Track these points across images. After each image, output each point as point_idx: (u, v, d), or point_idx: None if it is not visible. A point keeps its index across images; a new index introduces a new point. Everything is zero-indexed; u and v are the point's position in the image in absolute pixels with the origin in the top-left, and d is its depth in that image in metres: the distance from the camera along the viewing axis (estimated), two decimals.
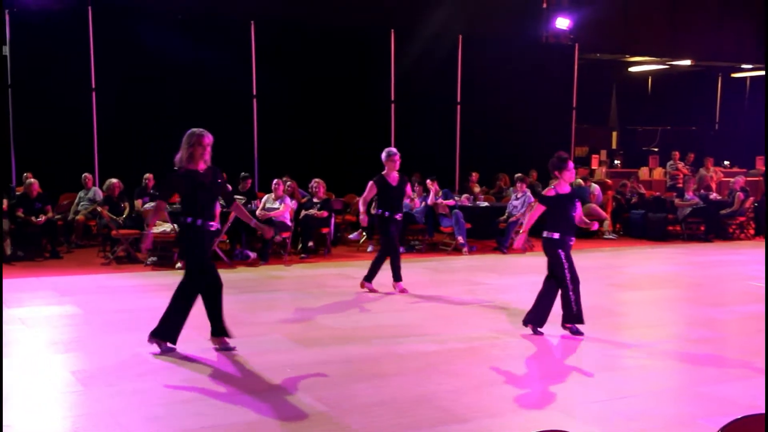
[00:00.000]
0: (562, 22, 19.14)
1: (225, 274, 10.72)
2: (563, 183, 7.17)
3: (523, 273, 10.97)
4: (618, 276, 11.37)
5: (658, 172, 20.83)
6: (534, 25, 19.37)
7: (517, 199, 13.35)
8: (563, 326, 7.33)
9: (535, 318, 7.32)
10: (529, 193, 13.45)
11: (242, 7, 15.43)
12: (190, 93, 14.90)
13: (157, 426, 4.88)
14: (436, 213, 13.31)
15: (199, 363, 6.28)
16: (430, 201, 13.22)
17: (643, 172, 20.79)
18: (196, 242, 6.54)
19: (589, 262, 12.48)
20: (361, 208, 9.41)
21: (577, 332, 7.26)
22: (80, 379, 5.79)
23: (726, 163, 22.77)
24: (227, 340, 6.68)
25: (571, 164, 7.17)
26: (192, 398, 5.42)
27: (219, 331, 6.67)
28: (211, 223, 6.59)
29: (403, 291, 9.43)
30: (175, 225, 6.97)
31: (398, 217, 9.34)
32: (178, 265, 11.10)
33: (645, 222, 15.43)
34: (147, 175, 13.43)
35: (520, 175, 13.72)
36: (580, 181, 16.17)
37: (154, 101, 14.67)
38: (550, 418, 5.11)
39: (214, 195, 6.68)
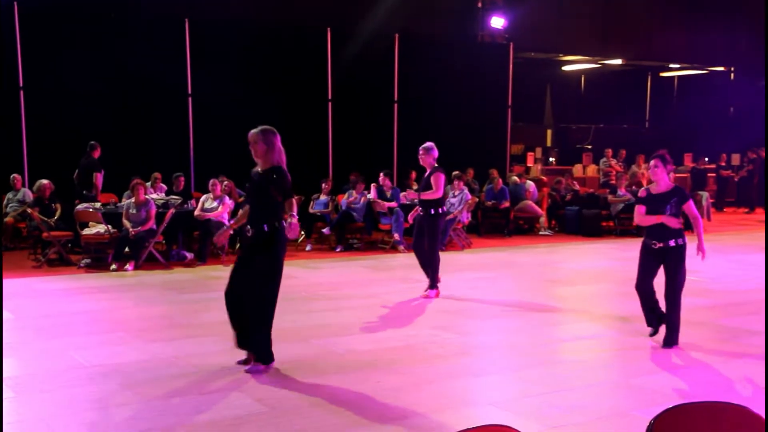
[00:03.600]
0: (497, 22, 19.37)
1: (162, 276, 10.71)
2: (654, 183, 6.96)
3: (460, 270, 11.06)
4: (554, 272, 11.55)
5: (591, 169, 21.25)
6: (469, 24, 19.56)
7: (454, 196, 13.43)
8: None
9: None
10: (466, 191, 13.56)
11: (176, 5, 15.19)
12: (123, 92, 14.61)
13: (92, 431, 4.78)
14: (374, 211, 13.34)
15: (134, 366, 6.17)
16: (374, 196, 13.31)
17: (577, 169, 21.18)
18: (285, 245, 6.07)
19: (526, 258, 12.70)
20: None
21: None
22: (11, 386, 5.62)
23: None
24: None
25: (651, 162, 6.85)
26: (127, 402, 5.32)
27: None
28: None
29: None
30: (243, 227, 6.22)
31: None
32: (113, 267, 10.88)
33: (579, 218, 15.70)
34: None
35: (457, 172, 13.79)
36: (516, 178, 16.42)
37: (86, 100, 14.31)
38: (488, 413, 5.17)
39: None
